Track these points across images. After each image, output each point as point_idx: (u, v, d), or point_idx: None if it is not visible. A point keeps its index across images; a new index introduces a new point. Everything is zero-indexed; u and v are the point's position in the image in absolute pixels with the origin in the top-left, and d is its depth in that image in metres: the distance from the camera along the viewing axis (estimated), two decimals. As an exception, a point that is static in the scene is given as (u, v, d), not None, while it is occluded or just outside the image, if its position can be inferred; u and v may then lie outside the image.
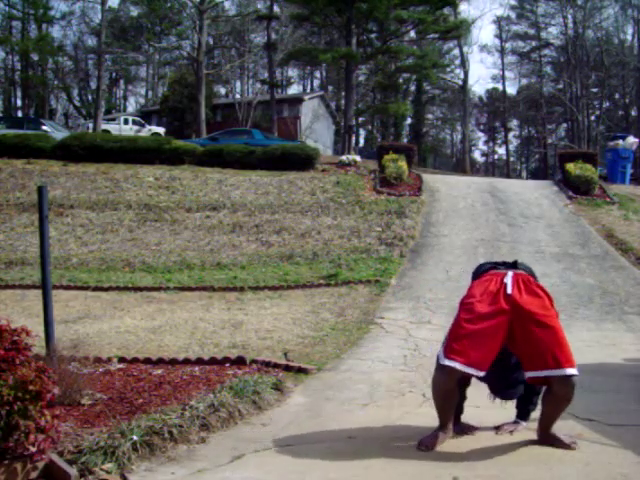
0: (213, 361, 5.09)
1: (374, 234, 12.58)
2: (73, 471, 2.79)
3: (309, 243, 12.24)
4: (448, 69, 47.62)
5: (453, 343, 3.14)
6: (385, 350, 5.93)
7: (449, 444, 3.36)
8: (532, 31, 49.98)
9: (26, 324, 3.00)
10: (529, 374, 3.18)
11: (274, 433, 3.62)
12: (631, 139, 19.78)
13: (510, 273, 3.23)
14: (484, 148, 64.75)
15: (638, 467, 3.00)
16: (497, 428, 3.52)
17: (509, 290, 3.14)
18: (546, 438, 3.32)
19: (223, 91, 51.78)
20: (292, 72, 54.35)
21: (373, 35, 30.92)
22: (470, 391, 3.78)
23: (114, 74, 52.32)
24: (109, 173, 16.97)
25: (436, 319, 7.35)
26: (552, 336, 3.08)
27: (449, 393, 3.26)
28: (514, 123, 57.98)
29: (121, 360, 5.19)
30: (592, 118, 47.87)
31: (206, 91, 30.70)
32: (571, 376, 3.08)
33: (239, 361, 5.07)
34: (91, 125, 30.04)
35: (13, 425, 2.62)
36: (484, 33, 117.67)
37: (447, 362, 3.12)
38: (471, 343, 3.09)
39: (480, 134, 63.69)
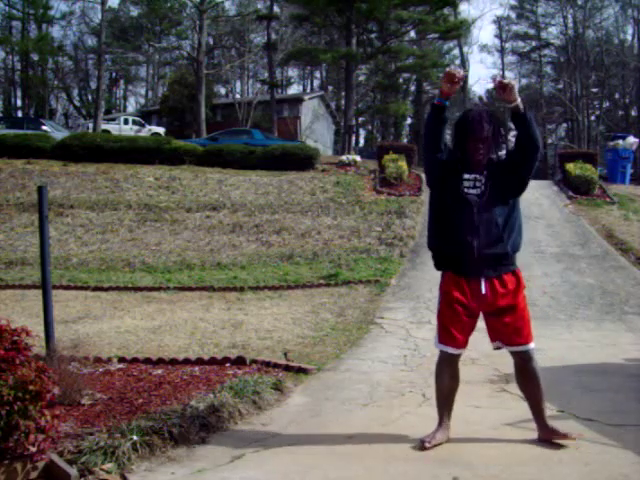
0: (213, 361, 5.09)
1: (374, 234, 12.57)
2: (73, 471, 2.79)
3: (309, 243, 12.24)
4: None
5: (442, 331, 3.48)
6: (385, 350, 5.93)
7: (449, 444, 3.35)
8: (532, 31, 49.98)
9: (26, 324, 3.00)
10: (497, 344, 3.49)
11: (274, 433, 3.61)
12: (631, 139, 19.78)
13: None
14: (484, 148, 64.61)
15: (638, 467, 3.00)
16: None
17: (483, 290, 3.35)
18: (545, 432, 3.38)
19: (223, 91, 51.78)
20: (292, 72, 54.35)
21: (373, 35, 30.89)
22: (471, 390, 3.79)
23: (114, 74, 52.32)
24: (109, 173, 16.97)
25: (436, 319, 7.34)
26: (519, 319, 3.38)
27: (449, 376, 3.52)
28: (514, 123, 57.90)
29: (121, 360, 5.19)
30: (592, 118, 47.90)
31: (206, 91, 30.69)
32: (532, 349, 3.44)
33: (239, 361, 5.07)
34: (91, 125, 30.06)
35: (13, 425, 2.62)
36: (484, 33, 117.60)
37: (441, 347, 3.49)
38: (457, 331, 3.42)
39: (480, 134, 63.53)
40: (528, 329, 3.39)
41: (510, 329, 3.36)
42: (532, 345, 3.41)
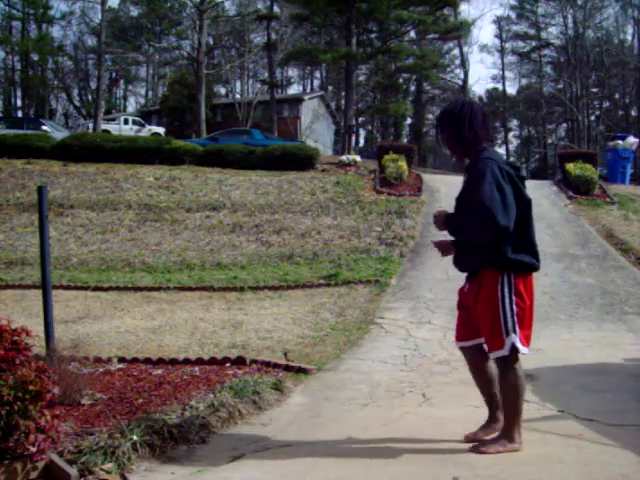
0: (213, 361, 5.09)
1: (374, 234, 12.57)
2: (73, 471, 2.79)
3: (309, 243, 12.24)
4: (448, 69, 47.72)
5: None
6: (385, 350, 5.93)
7: (449, 444, 3.35)
8: (532, 31, 50.03)
9: (26, 324, 3.00)
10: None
11: (274, 433, 3.61)
12: (631, 139, 19.78)
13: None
14: (484, 148, 64.65)
15: (638, 467, 3.00)
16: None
17: (465, 289, 3.43)
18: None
19: (223, 91, 51.81)
20: (292, 72, 54.43)
21: (373, 35, 30.93)
22: (471, 391, 3.79)
23: (114, 74, 52.35)
24: (109, 173, 16.97)
25: (436, 319, 7.35)
26: (482, 320, 3.30)
27: (470, 371, 3.53)
28: (514, 123, 58.02)
29: (121, 360, 5.19)
30: (592, 118, 47.91)
31: (206, 91, 30.70)
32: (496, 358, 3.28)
33: (239, 361, 5.07)
34: (91, 125, 30.08)
35: (13, 425, 2.62)
36: (484, 33, 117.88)
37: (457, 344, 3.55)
38: (457, 324, 3.53)
39: (480, 134, 63.53)
40: (493, 335, 3.19)
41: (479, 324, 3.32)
42: (500, 352, 3.17)
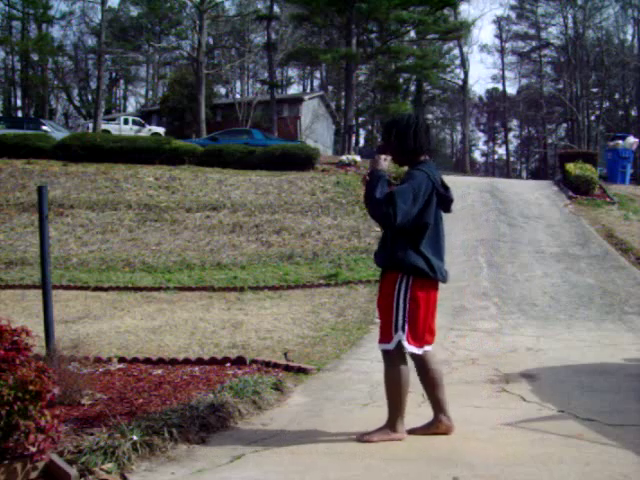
0: (213, 361, 5.10)
1: (374, 234, 12.57)
2: (73, 471, 2.79)
3: (309, 243, 12.24)
4: (448, 69, 47.62)
5: None
6: (385, 350, 5.92)
7: (450, 444, 3.35)
8: (532, 31, 50.06)
9: (26, 324, 3.00)
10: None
11: (274, 433, 3.61)
12: (631, 139, 19.79)
13: None
14: (484, 148, 64.94)
15: (638, 467, 3.00)
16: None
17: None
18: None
19: (223, 91, 51.81)
20: (292, 72, 54.45)
21: (373, 35, 30.87)
22: (471, 391, 3.79)
23: (114, 74, 52.35)
24: (109, 173, 16.97)
25: (436, 319, 7.34)
26: (381, 318, 3.50)
27: None
28: (514, 123, 58.05)
29: (121, 360, 5.19)
30: (592, 118, 47.91)
31: (206, 91, 30.70)
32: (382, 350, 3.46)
33: (239, 361, 5.07)
34: (91, 125, 30.05)
35: (13, 425, 2.62)
36: (484, 33, 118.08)
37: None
38: None
39: (480, 134, 63.82)
40: (384, 329, 3.42)
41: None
42: (386, 346, 3.40)
